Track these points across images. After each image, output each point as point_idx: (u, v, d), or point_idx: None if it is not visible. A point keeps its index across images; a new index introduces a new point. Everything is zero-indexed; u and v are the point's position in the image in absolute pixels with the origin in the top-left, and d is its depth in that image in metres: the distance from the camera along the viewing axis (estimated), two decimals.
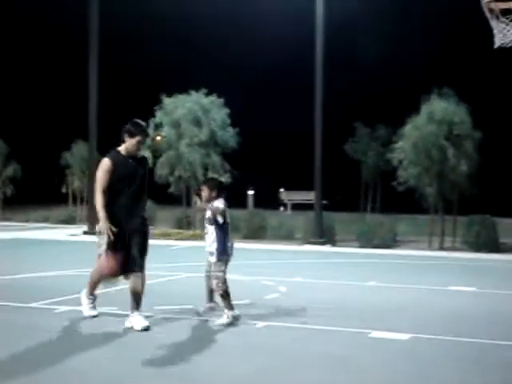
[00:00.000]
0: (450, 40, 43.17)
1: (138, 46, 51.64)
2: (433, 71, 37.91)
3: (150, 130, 23.81)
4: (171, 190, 24.37)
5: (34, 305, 8.94)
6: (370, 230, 20.62)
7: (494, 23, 8.99)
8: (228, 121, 23.75)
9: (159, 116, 23.87)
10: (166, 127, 23.73)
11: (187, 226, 24.30)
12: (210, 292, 8.23)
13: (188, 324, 7.95)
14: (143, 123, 8.02)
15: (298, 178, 36.37)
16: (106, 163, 7.68)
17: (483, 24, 9.43)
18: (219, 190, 8.11)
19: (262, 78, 49.89)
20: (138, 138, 7.74)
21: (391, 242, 20.68)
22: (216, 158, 23.55)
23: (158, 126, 23.95)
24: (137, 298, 7.74)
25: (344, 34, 40.55)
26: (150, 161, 23.53)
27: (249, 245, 20.24)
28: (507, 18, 8.99)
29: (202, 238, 22.67)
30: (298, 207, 37.61)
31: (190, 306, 8.83)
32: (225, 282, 8.01)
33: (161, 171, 23.70)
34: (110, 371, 5.94)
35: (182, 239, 21.69)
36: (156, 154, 23.85)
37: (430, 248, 20.42)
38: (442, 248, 20.23)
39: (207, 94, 23.83)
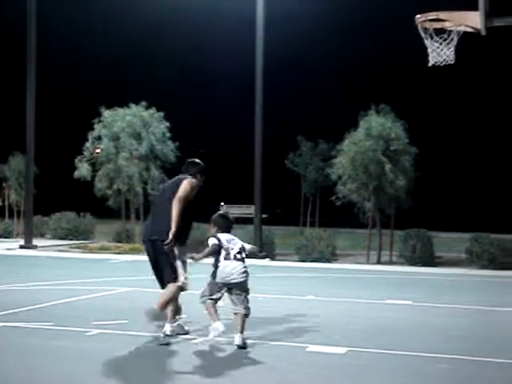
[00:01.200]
0: (387, 57, 43.93)
1: (78, 58, 51.11)
2: (371, 88, 38.50)
3: (89, 143, 23.59)
4: (110, 203, 24.12)
5: None
6: (308, 244, 20.76)
7: (428, 42, 9.19)
8: (168, 134, 23.65)
9: (98, 129, 23.62)
10: (105, 140, 23.49)
11: (126, 239, 24.07)
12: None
13: (126, 339, 7.87)
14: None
15: (238, 191, 36.41)
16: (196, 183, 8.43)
17: (419, 42, 9.63)
18: (219, 225, 8.40)
19: (202, 91, 49.90)
20: (203, 179, 8.75)
21: (330, 256, 20.86)
22: (156, 172, 23.41)
23: (96, 139, 23.70)
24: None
25: (286, 50, 40.91)
26: (89, 174, 23.30)
27: (188, 259, 20.12)
28: (441, 38, 9.21)
29: (141, 251, 22.45)
30: (238, 221, 37.54)
31: (126, 321, 8.75)
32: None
33: (99, 184, 23.42)
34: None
35: (121, 253, 21.46)
36: (94, 168, 23.57)
37: (368, 262, 20.66)
38: (379, 262, 20.49)
39: (147, 107, 23.71)
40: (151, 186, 23.15)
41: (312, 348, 7.60)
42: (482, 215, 36.15)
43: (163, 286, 8.48)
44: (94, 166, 23.60)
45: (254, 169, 21.39)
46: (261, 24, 21.21)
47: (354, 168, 20.37)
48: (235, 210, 42.18)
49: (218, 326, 7.70)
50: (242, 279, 7.96)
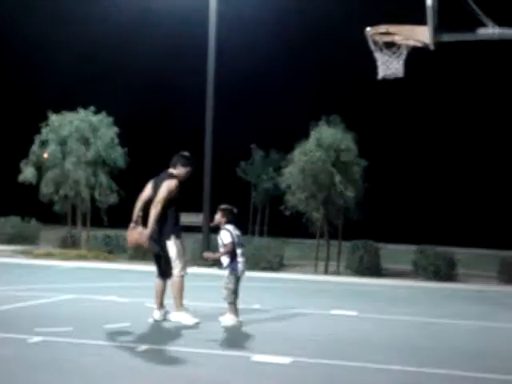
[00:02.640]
0: (339, 69, 44.33)
1: (25, 62, 50.38)
2: (322, 99, 38.79)
3: (35, 147, 23.20)
4: (56, 208, 23.75)
5: None
6: (257, 253, 20.73)
7: (378, 55, 9.27)
8: (117, 140, 23.40)
9: (45, 133, 23.26)
10: (52, 145, 23.13)
11: (72, 245, 23.72)
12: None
13: (69, 347, 7.72)
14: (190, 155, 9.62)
15: (187, 199, 36.24)
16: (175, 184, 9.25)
17: (369, 55, 9.70)
18: (228, 216, 9.62)
19: (153, 97, 49.58)
20: (188, 169, 9.54)
21: (278, 266, 20.87)
22: (103, 178, 23.14)
23: (43, 144, 23.32)
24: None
25: (239, 60, 40.98)
26: (34, 178, 22.90)
27: (135, 266, 19.96)
28: (390, 51, 9.29)
29: (87, 258, 22.17)
30: (187, 229, 37.34)
31: (70, 328, 8.59)
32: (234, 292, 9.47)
33: (45, 189, 23.04)
34: None
35: (66, 259, 21.13)
36: (40, 172, 23.18)
37: (316, 272, 20.73)
38: (326, 272, 20.58)
39: (96, 112, 23.44)
40: (99, 191, 22.88)
41: (256, 358, 7.55)
42: (428, 227, 36.67)
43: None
44: (40, 170, 23.23)
45: (203, 176, 21.30)
46: (213, 34, 21.17)
47: (304, 178, 20.44)
48: (183, 218, 42.12)
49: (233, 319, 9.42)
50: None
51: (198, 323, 9.47)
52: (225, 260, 9.55)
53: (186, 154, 9.80)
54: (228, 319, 9.52)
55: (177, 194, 9.36)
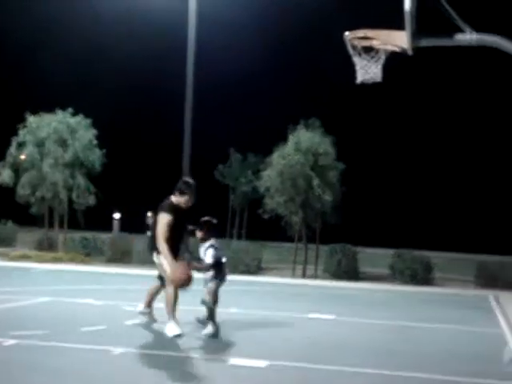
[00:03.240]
0: (318, 73, 44.48)
1: (2, 63, 49.97)
2: (301, 103, 38.88)
3: (13, 149, 23.01)
4: (33, 210, 23.56)
5: None
6: (235, 257, 20.70)
7: (356, 59, 9.25)
8: (95, 142, 23.28)
9: (23, 135, 23.08)
10: (30, 146, 22.96)
11: (49, 247, 23.56)
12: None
13: (45, 350, 7.65)
14: (192, 183, 9.57)
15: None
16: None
17: (348, 59, 9.71)
18: (210, 230, 9.46)
19: (131, 101, 49.42)
20: (186, 198, 9.31)
21: (256, 269, 20.87)
22: (81, 180, 23.00)
23: (20, 145, 23.14)
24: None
25: (217, 63, 40.96)
26: (11, 180, 22.71)
27: (112, 269, 19.86)
28: (369, 55, 9.30)
29: (63, 260, 21.97)
30: None
31: (46, 331, 8.53)
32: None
33: (22, 191, 22.85)
34: None
35: (42, 262, 20.98)
36: (18, 174, 22.98)
37: (294, 275, 20.74)
38: (304, 276, 20.60)
39: (74, 114, 23.29)
40: (76, 193, 22.75)
41: (233, 361, 7.54)
42: (406, 231, 36.85)
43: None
44: (18, 172, 23.03)
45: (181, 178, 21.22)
46: (192, 37, 21.10)
47: (282, 181, 20.47)
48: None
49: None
50: None
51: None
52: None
53: (188, 180, 9.77)
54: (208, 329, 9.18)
55: (176, 221, 9.18)
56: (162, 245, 8.97)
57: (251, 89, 47.52)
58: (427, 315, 12.82)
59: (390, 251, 21.68)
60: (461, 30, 9.35)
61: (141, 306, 9.99)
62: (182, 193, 9.36)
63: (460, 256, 29.19)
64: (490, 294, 17.14)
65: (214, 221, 9.62)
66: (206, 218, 9.58)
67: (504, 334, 10.80)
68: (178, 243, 9.38)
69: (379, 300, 15.55)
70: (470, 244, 33.25)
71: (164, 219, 9.13)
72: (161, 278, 9.79)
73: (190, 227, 9.70)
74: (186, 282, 8.74)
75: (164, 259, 9.03)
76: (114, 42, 46.43)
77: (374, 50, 9.42)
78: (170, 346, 8.27)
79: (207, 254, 9.29)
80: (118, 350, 7.79)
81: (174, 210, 9.26)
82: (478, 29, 9.44)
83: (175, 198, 9.38)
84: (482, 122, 43.92)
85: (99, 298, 12.55)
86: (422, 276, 19.56)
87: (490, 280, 19.53)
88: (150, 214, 39.98)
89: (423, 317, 12.46)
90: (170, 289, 9.20)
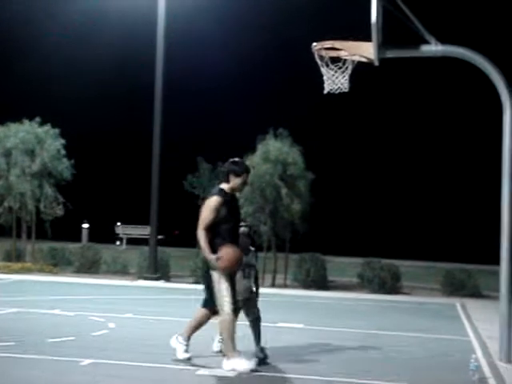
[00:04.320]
0: (286, 83, 44.68)
1: None
2: (269, 112, 39.00)
3: None
4: (0, 221, 23.31)
5: None
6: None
7: (324, 70, 9.37)
8: (63, 152, 23.11)
9: None
10: None
11: (16, 258, 23.31)
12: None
13: (12, 362, 7.59)
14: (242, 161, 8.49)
15: (136, 212, 35.95)
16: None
17: (316, 70, 9.81)
18: None
19: (99, 110, 49.12)
20: (244, 177, 8.12)
21: None
22: (49, 190, 22.81)
23: None
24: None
25: (185, 71, 40.93)
26: None
27: (81, 279, 19.72)
28: (336, 66, 9.41)
29: (31, 270, 21.76)
30: (134, 242, 37.19)
31: (13, 343, 8.46)
32: None
33: None
34: None
35: (10, 272, 20.75)
36: None
37: (263, 285, 20.72)
38: (273, 285, 20.63)
39: (41, 124, 23.12)
40: (44, 203, 22.58)
41: (202, 371, 7.55)
42: (374, 240, 37.09)
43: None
44: None
45: (150, 189, 21.18)
46: (161, 48, 21.08)
47: (251, 191, 20.50)
48: (131, 231, 41.77)
49: None
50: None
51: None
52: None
53: (237, 159, 8.39)
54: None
55: (233, 210, 8.08)
56: (199, 233, 7.86)
57: (220, 98, 47.54)
58: (395, 323, 12.93)
59: (359, 260, 21.80)
60: (426, 42, 9.52)
61: (180, 340, 8.33)
62: (237, 174, 8.04)
63: (428, 264, 29.43)
64: (456, 302, 17.32)
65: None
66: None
67: (471, 341, 10.93)
68: (236, 238, 8.09)
69: (348, 309, 15.64)
70: (438, 253, 33.53)
71: (212, 202, 7.85)
72: (207, 301, 8.33)
73: None
74: (235, 266, 7.81)
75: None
76: (81, 52, 46.24)
77: (341, 61, 9.56)
78: (138, 356, 8.25)
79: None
80: (86, 361, 7.75)
81: (228, 196, 8.01)
82: (443, 40, 9.62)
83: (228, 185, 8.04)
84: (449, 133, 44.41)
85: (67, 308, 12.47)
86: (390, 284, 19.69)
87: (457, 288, 19.72)
88: (119, 224, 39.87)
89: (391, 325, 12.57)
90: (225, 316, 7.90)
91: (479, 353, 9.61)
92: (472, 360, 7.74)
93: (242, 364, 7.66)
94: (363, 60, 9.51)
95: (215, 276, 7.82)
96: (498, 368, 8.57)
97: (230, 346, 7.78)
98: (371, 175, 44.54)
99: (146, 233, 27.18)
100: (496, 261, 9.39)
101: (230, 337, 7.81)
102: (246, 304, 8.48)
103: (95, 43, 44.84)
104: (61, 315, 11.71)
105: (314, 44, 9.44)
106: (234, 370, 7.58)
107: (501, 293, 9.22)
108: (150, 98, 21.59)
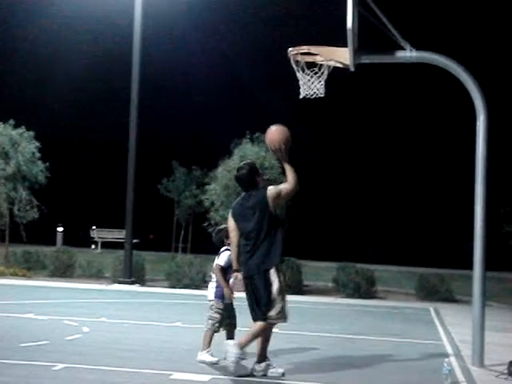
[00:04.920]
0: (261, 88, 44.75)
1: None
2: (245, 116, 39.04)
3: None
4: None
5: None
6: (179, 270, 20.63)
7: (299, 75, 9.40)
8: (38, 154, 22.96)
9: None
10: None
11: None
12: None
13: None
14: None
15: (111, 215, 35.79)
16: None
17: (292, 74, 9.84)
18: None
19: (74, 111, 48.88)
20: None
21: (200, 283, 20.79)
22: (24, 193, 22.65)
23: None
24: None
25: (161, 75, 40.88)
26: None
27: (55, 283, 19.59)
28: (312, 71, 9.44)
29: (5, 274, 21.52)
30: (109, 245, 37.01)
31: None
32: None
33: None
34: None
35: None
36: None
37: (239, 289, 20.72)
38: None
39: (15, 126, 22.95)
40: (18, 206, 22.40)
41: (176, 375, 7.53)
42: (349, 245, 37.25)
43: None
44: None
45: (126, 193, 21.09)
46: (137, 55, 21.03)
47: (228, 195, 20.50)
48: (106, 235, 41.58)
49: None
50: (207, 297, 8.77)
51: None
52: (213, 284, 8.61)
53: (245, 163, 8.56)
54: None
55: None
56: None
57: (195, 102, 47.57)
58: (370, 327, 12.98)
59: (334, 264, 21.86)
60: (401, 48, 9.59)
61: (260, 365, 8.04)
62: (259, 174, 8.40)
63: (402, 269, 29.60)
64: (430, 307, 17.43)
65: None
66: (222, 226, 8.88)
67: (444, 345, 11.01)
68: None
69: (323, 313, 15.68)
70: (412, 258, 33.76)
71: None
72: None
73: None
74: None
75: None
76: (58, 54, 45.99)
77: (317, 66, 9.60)
78: (113, 361, 8.21)
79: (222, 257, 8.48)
80: (59, 366, 7.70)
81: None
82: (419, 47, 9.71)
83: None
84: (423, 140, 44.77)
85: (41, 312, 12.38)
86: (365, 289, 19.77)
87: (431, 293, 19.85)
88: (94, 227, 39.69)
89: (366, 329, 12.62)
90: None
91: (452, 357, 9.68)
92: (445, 364, 7.80)
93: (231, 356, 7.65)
94: (339, 65, 9.55)
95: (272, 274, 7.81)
96: (471, 372, 8.64)
97: (248, 341, 7.88)
98: (346, 181, 44.72)
99: (121, 236, 27.10)
100: (469, 266, 9.47)
101: (255, 336, 7.97)
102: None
103: (71, 46, 44.65)
104: (34, 319, 11.62)
105: (290, 49, 9.47)
106: (230, 359, 7.63)
107: (473, 297, 9.30)
108: (125, 102, 21.53)
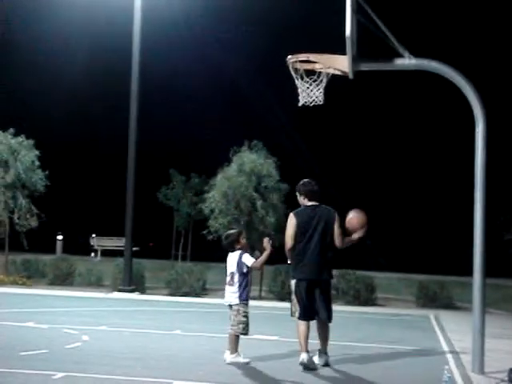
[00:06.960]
0: (259, 96, 44.80)
1: None
2: (243, 124, 39.06)
3: None
4: None
5: None
6: (179, 278, 20.63)
7: (298, 82, 9.43)
8: (37, 163, 22.95)
9: None
10: None
11: None
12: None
13: None
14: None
15: (110, 223, 35.75)
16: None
17: (291, 82, 9.86)
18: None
19: (73, 119, 48.86)
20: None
21: (200, 291, 20.80)
22: (23, 201, 22.63)
23: None
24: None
25: (159, 84, 40.97)
26: None
27: (55, 291, 19.58)
28: (311, 79, 9.47)
29: (4, 283, 21.54)
30: (109, 253, 36.97)
31: None
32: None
33: None
34: None
35: None
36: None
37: None
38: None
39: (15, 135, 22.95)
40: (18, 215, 22.39)
41: (176, 383, 7.52)
42: (349, 252, 37.20)
43: None
44: None
45: (125, 201, 21.09)
46: (136, 62, 21.05)
47: (227, 203, 20.51)
48: (106, 243, 41.53)
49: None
50: (227, 302, 9.16)
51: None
52: (235, 289, 9.12)
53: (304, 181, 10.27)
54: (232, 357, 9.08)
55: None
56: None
57: (194, 111, 47.57)
58: (370, 335, 12.97)
59: (334, 272, 21.80)
60: (400, 55, 9.62)
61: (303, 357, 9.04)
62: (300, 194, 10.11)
63: (402, 276, 29.56)
64: (430, 314, 17.42)
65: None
66: (231, 231, 9.54)
67: (444, 352, 11.00)
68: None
69: None
70: (412, 265, 33.72)
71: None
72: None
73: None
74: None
75: None
76: (57, 62, 46.04)
77: (315, 74, 9.62)
78: (113, 369, 8.20)
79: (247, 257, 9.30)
80: (59, 375, 7.69)
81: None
82: (419, 54, 9.73)
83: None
84: (423, 147, 44.80)
85: (41, 321, 12.37)
86: (365, 296, 19.77)
87: (431, 300, 19.85)
88: (94, 235, 39.64)
89: (366, 337, 12.61)
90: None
91: (452, 364, 9.67)
92: (445, 371, 7.79)
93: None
94: (338, 73, 9.58)
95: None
96: (471, 379, 8.63)
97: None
98: (344, 187, 44.72)
99: (121, 244, 27.04)
100: (469, 272, 9.47)
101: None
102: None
103: (70, 54, 44.71)
104: (34, 328, 11.61)
105: (289, 57, 9.50)
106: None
107: (474, 304, 9.30)
108: (124, 110, 21.55)
